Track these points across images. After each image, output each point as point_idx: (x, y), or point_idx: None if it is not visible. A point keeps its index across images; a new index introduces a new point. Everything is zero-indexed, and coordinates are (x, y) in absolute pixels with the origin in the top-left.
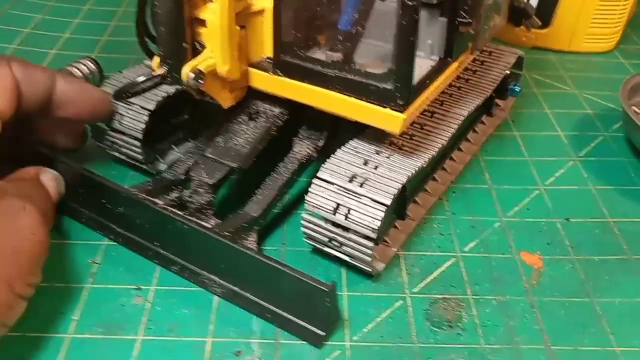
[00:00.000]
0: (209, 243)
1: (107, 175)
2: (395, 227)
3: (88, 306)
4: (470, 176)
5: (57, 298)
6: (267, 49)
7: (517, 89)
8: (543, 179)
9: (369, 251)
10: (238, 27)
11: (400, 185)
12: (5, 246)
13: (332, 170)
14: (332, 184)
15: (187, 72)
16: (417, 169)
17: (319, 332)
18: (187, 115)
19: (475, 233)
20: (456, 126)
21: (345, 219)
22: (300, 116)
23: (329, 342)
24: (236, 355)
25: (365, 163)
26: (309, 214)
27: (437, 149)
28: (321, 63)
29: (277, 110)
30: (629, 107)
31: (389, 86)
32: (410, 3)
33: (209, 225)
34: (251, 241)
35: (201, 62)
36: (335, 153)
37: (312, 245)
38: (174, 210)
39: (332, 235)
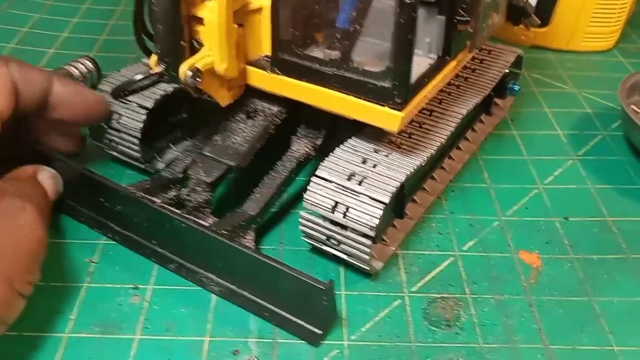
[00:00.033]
0: (206, 241)
1: (105, 174)
2: (394, 226)
3: (85, 305)
4: (469, 175)
5: (54, 297)
6: (265, 47)
7: (516, 87)
8: (542, 178)
9: (367, 249)
10: (236, 25)
11: (398, 184)
12: (5, 244)
13: (331, 169)
14: (331, 182)
15: (184, 70)
16: (415, 167)
17: (316, 330)
18: (185, 114)
19: (473, 232)
20: (455, 125)
21: (344, 217)
22: (298, 115)
23: (327, 342)
24: (234, 354)
25: (364, 161)
26: (308, 212)
27: (435, 148)
28: (319, 61)
29: (275, 108)
30: (627, 106)
31: (387, 84)
32: (408, 1)
33: (206, 224)
34: (249, 240)
35: (199, 60)
36: (334, 151)
37: (310, 243)
38: (171, 208)
39: (330, 233)
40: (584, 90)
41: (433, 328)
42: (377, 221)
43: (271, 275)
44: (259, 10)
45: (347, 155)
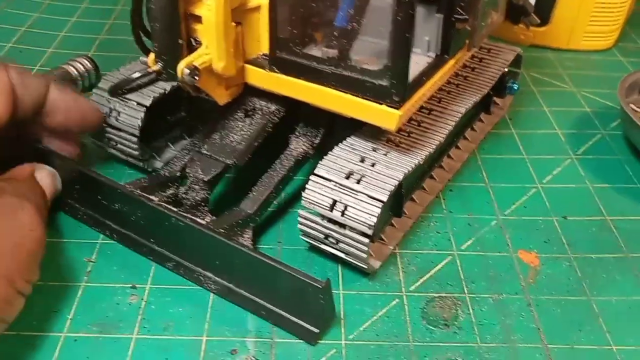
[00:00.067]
0: (204, 240)
1: (105, 173)
2: (392, 225)
3: (83, 305)
4: (467, 174)
5: (51, 296)
6: (263, 46)
7: (515, 86)
8: (540, 177)
9: (364, 248)
10: (234, 24)
11: (396, 182)
12: (5, 244)
13: (329, 167)
14: (329, 180)
15: (182, 68)
16: (413, 166)
17: (313, 329)
18: (184, 113)
19: (472, 231)
20: (453, 123)
21: (342, 215)
22: (296, 113)
23: (325, 341)
24: (231, 354)
25: (362, 160)
26: (306, 211)
27: (434, 147)
28: (317, 60)
29: (273, 107)
30: (626, 105)
31: (384, 83)
32: None
33: (203, 222)
34: (246, 238)
35: (197, 58)
36: (333, 150)
37: (309, 242)
38: (168, 206)
39: (328, 231)
40: (583, 90)
41: (431, 327)
42: (374, 219)
43: (268, 274)
44: (257, 8)
45: (345, 154)
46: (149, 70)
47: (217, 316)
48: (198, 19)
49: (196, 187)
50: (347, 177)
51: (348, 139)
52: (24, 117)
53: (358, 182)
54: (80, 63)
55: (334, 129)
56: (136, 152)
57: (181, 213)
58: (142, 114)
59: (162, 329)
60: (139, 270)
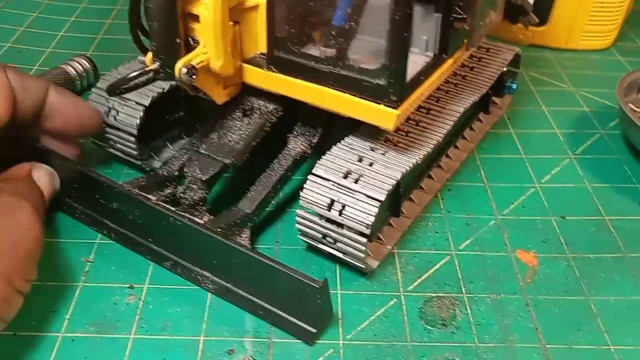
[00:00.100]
0: (202, 239)
1: (102, 172)
2: (390, 224)
3: (81, 305)
4: (465, 174)
5: (49, 296)
6: (261, 45)
7: (514, 86)
8: (539, 176)
9: (362, 247)
10: (232, 23)
11: (394, 182)
12: (3, 243)
13: (327, 167)
14: (327, 180)
15: (179, 67)
16: (411, 165)
17: (310, 329)
18: (182, 112)
19: (470, 231)
20: (452, 123)
21: (340, 215)
22: (294, 113)
23: (323, 341)
24: (229, 353)
25: (360, 160)
26: (304, 210)
27: (432, 146)
28: (315, 59)
29: (271, 106)
30: (625, 104)
31: (382, 82)
32: None
33: (201, 222)
34: (244, 238)
35: (194, 57)
36: (331, 150)
37: (306, 242)
38: (166, 206)
39: (326, 231)
40: (582, 89)
41: (429, 327)
42: (372, 219)
43: (266, 274)
44: (254, 7)
45: (343, 154)
46: (146, 69)
47: (215, 316)
48: (196, 18)
49: (194, 186)
50: (345, 177)
51: (346, 139)
52: (23, 119)
53: (356, 181)
54: (79, 63)
55: (332, 128)
56: (134, 152)
57: (179, 212)
58: (141, 113)
59: (159, 329)
60: (137, 270)
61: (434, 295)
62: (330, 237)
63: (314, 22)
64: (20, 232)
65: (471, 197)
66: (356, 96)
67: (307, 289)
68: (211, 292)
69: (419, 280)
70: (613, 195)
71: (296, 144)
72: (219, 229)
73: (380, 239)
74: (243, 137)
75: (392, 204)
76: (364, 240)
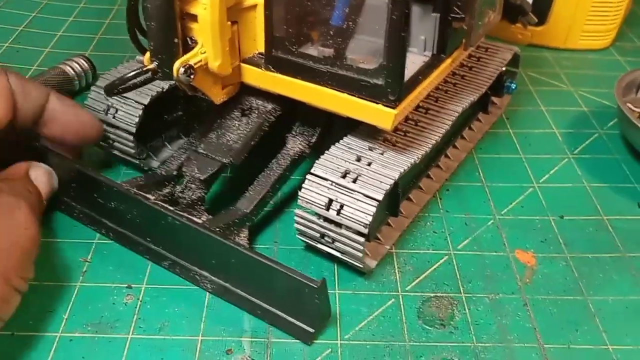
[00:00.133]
0: (200, 239)
1: (101, 171)
2: (389, 224)
3: (78, 304)
4: (464, 174)
5: (47, 296)
6: (259, 45)
7: (513, 86)
8: (537, 176)
9: (360, 247)
10: (230, 23)
11: (392, 181)
12: (2, 242)
13: (326, 166)
14: (325, 179)
15: (178, 67)
16: (409, 165)
17: (308, 329)
18: (181, 112)
19: (468, 231)
20: (450, 123)
21: (338, 214)
22: (293, 112)
23: (321, 341)
24: (227, 353)
25: (359, 159)
26: (302, 210)
27: (430, 146)
28: (313, 59)
29: (269, 106)
30: (623, 104)
31: (380, 82)
32: None
33: (200, 221)
34: (242, 237)
35: (192, 57)
36: (329, 149)
37: (305, 241)
38: (165, 205)
39: (324, 230)
40: (581, 89)
41: (427, 327)
42: (370, 218)
43: (264, 273)
44: (253, 7)
45: (341, 153)
46: (144, 68)
47: (213, 316)
48: (194, 18)
49: (192, 186)
50: (344, 176)
51: (344, 138)
52: (23, 124)
53: (354, 181)
54: (77, 63)
55: (331, 128)
56: (133, 150)
57: (177, 212)
58: (140, 112)
59: (157, 329)
60: (135, 270)
61: (432, 295)
62: (329, 236)
63: (312, 22)
64: (18, 232)
65: (470, 197)
66: (354, 96)
67: (305, 288)
68: (209, 292)
69: (417, 280)
70: (611, 195)
71: (294, 144)
72: (218, 229)
73: (379, 239)
74: (241, 136)
75: (391, 203)
76: (362, 239)
